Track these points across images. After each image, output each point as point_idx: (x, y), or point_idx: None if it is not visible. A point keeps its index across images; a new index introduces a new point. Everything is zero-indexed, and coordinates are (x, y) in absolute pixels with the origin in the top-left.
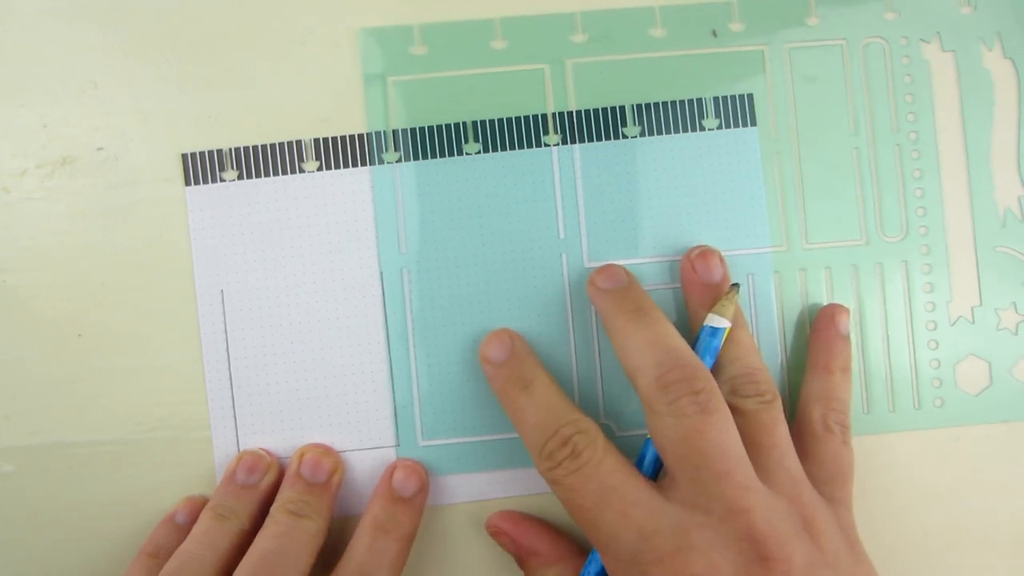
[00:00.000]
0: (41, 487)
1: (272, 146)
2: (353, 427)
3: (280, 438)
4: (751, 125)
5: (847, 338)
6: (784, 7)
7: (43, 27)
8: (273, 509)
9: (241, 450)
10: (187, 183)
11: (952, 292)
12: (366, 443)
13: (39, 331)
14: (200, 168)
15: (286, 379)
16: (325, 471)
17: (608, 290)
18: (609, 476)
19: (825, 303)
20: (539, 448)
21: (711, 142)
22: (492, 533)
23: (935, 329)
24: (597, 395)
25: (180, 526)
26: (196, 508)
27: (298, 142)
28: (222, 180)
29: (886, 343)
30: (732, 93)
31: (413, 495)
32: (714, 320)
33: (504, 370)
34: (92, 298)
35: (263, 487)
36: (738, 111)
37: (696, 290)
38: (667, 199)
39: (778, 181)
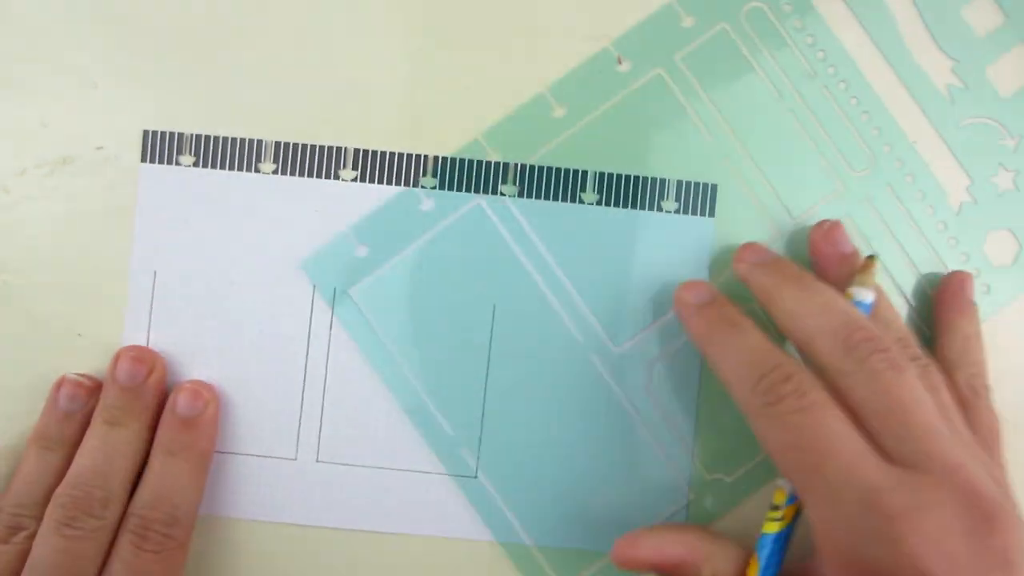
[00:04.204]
0: None
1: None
2: (257, 433)
3: None
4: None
5: (975, 304)
6: (657, 28)
7: (43, 27)
8: (92, 420)
9: (62, 375)
10: (145, 160)
11: (943, 186)
12: (264, 451)
13: (39, 331)
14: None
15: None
16: (140, 375)
17: (763, 263)
18: (837, 422)
19: None
20: (753, 382)
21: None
22: (627, 566)
23: (947, 228)
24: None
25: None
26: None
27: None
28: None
29: (913, 267)
30: (695, 180)
31: (199, 414)
32: (859, 293)
33: (709, 310)
34: (92, 298)
35: (87, 412)
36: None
37: (831, 263)
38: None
39: (742, 182)
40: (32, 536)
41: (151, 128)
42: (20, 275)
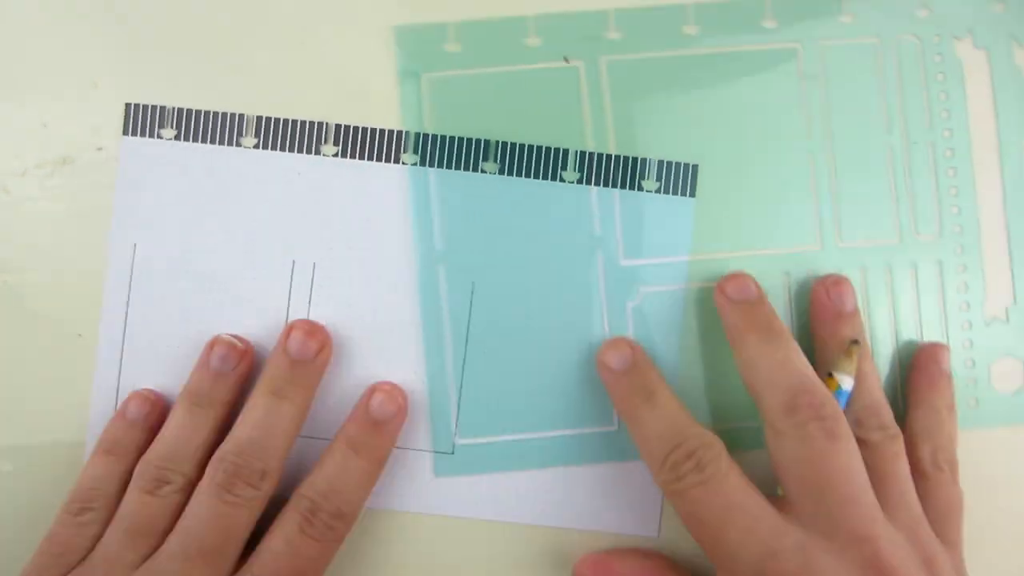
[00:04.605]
0: (41, 487)
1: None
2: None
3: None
4: (691, 196)
5: (950, 376)
6: (817, 4)
7: (43, 27)
8: (256, 387)
9: (215, 335)
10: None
11: (986, 292)
12: None
13: (39, 331)
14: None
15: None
16: (311, 350)
17: (739, 302)
18: (733, 492)
19: (860, 303)
20: (661, 460)
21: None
22: None
23: (969, 329)
24: None
25: (132, 422)
26: (146, 403)
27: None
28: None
29: (921, 342)
30: (674, 160)
31: (389, 419)
32: (842, 380)
33: (626, 379)
34: (92, 298)
35: (238, 373)
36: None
37: (828, 316)
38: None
39: (812, 180)
40: (179, 491)
41: (133, 101)
42: (20, 275)
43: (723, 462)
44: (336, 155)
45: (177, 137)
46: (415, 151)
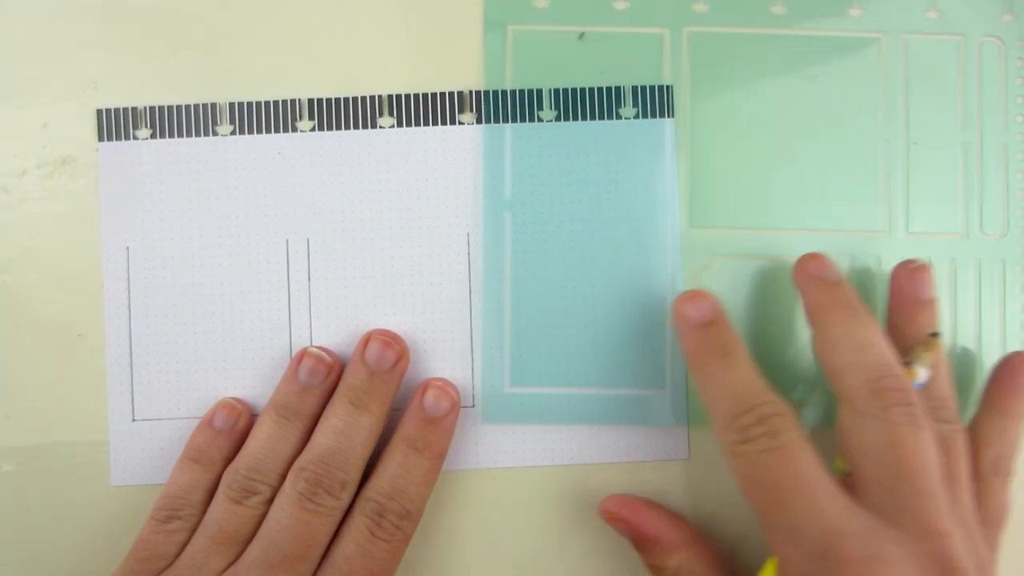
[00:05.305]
0: (41, 487)
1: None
2: (248, 391)
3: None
4: (669, 116)
5: None
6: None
7: (43, 27)
8: (335, 396)
9: (304, 347)
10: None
11: None
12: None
13: (39, 331)
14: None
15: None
16: (389, 361)
17: (821, 280)
18: (806, 465)
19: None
20: (730, 419)
21: None
22: (608, 519)
23: None
24: None
25: (219, 431)
26: (233, 412)
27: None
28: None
29: (978, 340)
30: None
31: (444, 415)
32: (919, 372)
33: (703, 333)
34: (92, 298)
35: (325, 387)
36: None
37: (906, 303)
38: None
39: (884, 166)
40: (265, 502)
41: (104, 106)
42: (21, 275)
43: (797, 433)
44: (313, 129)
45: (152, 136)
46: (391, 114)
